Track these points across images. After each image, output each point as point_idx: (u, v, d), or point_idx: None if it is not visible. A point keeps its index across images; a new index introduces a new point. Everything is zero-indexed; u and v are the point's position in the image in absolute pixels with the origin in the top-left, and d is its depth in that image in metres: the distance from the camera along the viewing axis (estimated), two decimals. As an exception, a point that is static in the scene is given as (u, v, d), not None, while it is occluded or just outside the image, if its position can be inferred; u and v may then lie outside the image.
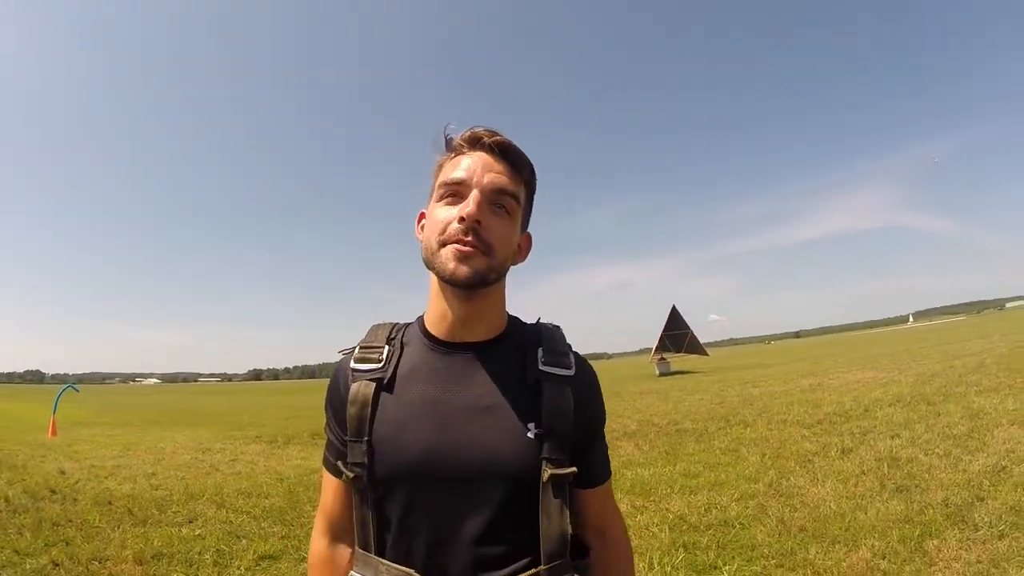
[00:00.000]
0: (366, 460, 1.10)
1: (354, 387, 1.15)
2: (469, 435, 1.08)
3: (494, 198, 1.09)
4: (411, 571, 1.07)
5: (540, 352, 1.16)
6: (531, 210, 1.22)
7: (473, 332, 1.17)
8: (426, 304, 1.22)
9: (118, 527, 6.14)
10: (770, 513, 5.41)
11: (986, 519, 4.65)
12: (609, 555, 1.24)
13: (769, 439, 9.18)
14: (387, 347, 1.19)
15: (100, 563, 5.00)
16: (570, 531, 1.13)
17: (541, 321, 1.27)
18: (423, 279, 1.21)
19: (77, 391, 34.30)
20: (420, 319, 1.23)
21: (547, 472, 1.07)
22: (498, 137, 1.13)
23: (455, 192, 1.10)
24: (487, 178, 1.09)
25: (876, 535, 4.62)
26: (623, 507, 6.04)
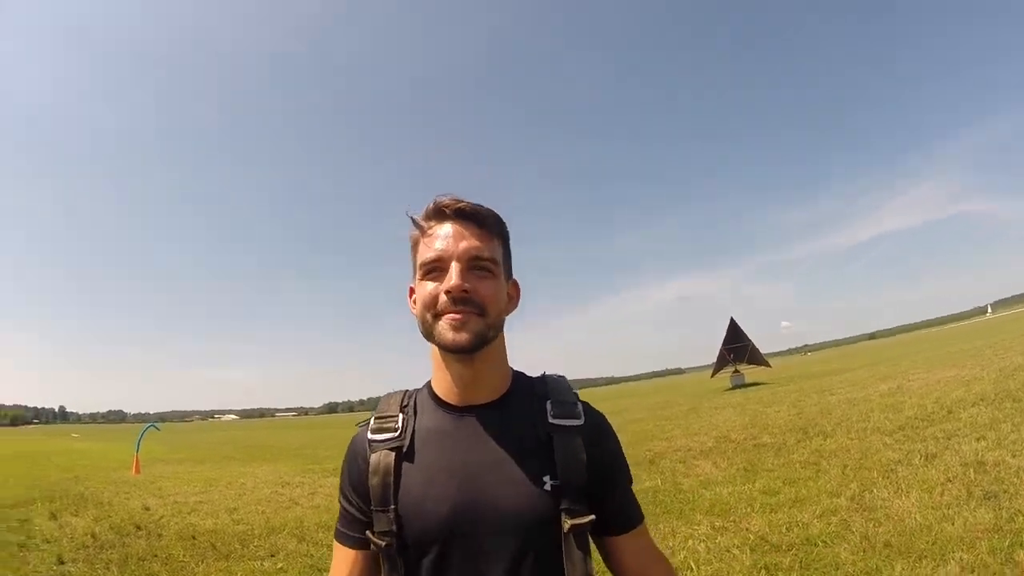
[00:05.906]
0: (394, 528, 1.14)
1: (374, 458, 1.20)
2: (489, 493, 1.13)
3: (473, 263, 1.15)
4: None
5: (549, 405, 1.21)
6: (511, 257, 1.28)
7: (480, 394, 1.21)
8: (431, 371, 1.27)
9: (202, 561, 6.39)
10: (854, 529, 5.21)
11: (1081, 526, 4.37)
12: None
13: (850, 449, 8.85)
14: (401, 415, 1.23)
15: (187, 598, 5.18)
16: None
17: (546, 374, 1.30)
18: None
19: (158, 429, 35.64)
20: (428, 385, 1.28)
21: (567, 523, 1.12)
22: (460, 204, 1.18)
23: (436, 268, 1.16)
24: (461, 247, 1.15)
25: (964, 547, 4.41)
26: (702, 529, 5.98)
